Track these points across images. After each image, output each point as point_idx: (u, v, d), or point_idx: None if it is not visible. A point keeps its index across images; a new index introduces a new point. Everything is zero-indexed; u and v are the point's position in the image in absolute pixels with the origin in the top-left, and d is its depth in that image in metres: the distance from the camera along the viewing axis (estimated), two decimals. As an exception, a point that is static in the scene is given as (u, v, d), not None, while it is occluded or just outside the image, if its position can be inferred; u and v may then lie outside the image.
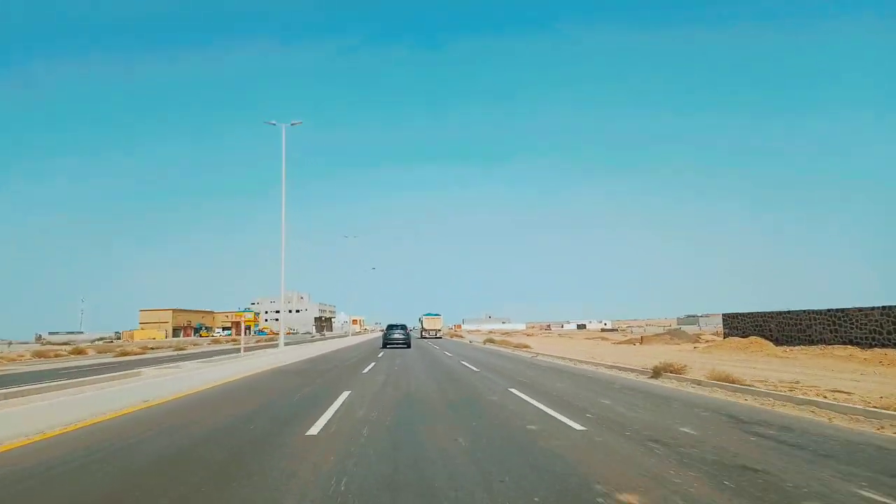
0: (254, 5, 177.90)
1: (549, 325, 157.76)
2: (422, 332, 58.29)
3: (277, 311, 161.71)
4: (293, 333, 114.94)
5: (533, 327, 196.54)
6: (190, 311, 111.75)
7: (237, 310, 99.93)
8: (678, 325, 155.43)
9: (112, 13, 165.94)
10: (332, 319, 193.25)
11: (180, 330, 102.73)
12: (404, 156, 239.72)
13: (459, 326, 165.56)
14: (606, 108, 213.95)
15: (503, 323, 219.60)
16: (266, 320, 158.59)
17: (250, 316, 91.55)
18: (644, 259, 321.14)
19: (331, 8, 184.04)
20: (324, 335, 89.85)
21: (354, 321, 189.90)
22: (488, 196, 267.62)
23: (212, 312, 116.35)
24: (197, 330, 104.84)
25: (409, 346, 33.27)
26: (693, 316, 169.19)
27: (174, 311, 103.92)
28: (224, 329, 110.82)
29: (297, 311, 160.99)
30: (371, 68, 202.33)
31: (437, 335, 55.55)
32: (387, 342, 33.93)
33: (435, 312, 56.78)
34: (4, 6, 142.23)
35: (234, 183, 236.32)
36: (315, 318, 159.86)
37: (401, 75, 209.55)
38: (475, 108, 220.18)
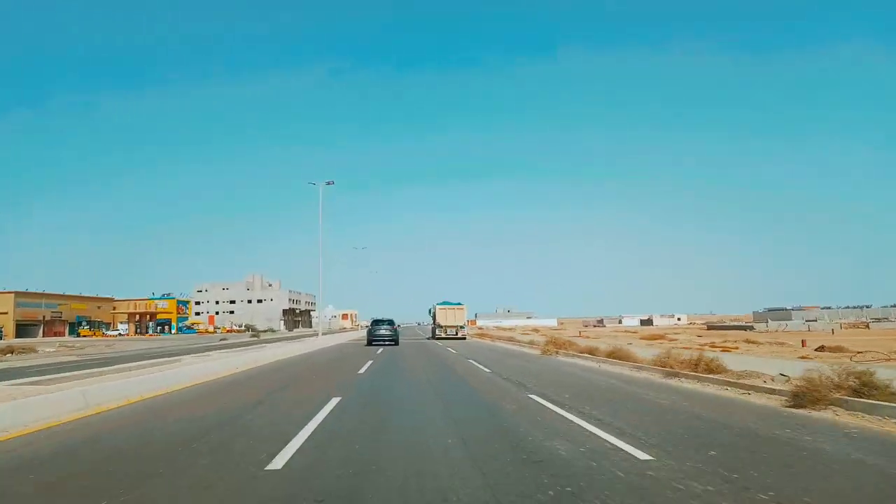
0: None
1: (600, 321, 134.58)
2: (435, 328, 43.14)
3: (233, 302, 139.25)
4: (240, 331, 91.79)
5: (563, 323, 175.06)
6: (60, 295, 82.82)
7: (150, 296, 74.95)
8: (757, 321, 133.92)
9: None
10: (312, 312, 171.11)
11: (38, 326, 77.49)
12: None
13: (474, 322, 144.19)
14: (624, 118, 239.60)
15: (528, 318, 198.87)
16: (218, 313, 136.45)
17: (166, 305, 67.25)
18: (680, 253, 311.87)
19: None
20: (255, 341, 66.73)
21: (345, 316, 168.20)
22: (499, 191, 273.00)
23: (110, 300, 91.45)
24: (75, 325, 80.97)
25: (396, 343, 31.98)
26: (781, 310, 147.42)
27: (18, 294, 73.36)
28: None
29: (261, 300, 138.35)
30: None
31: (459, 334, 41.22)
32: (372, 339, 33.00)
33: (455, 301, 42.80)
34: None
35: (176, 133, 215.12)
36: (283, 311, 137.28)
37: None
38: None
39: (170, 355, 20.63)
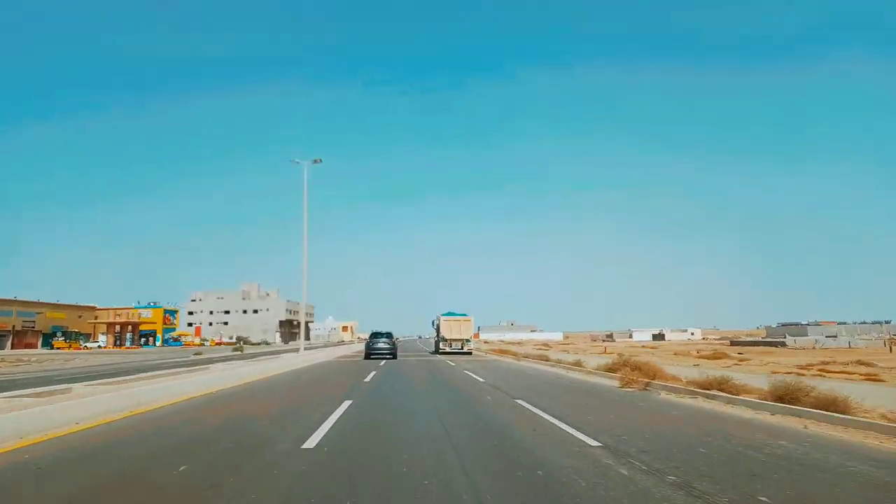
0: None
1: (610, 335, 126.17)
2: (439, 342, 39.68)
3: (227, 312, 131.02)
4: (230, 343, 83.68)
5: (568, 337, 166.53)
6: (35, 303, 73.22)
7: (135, 305, 67.24)
8: (771, 336, 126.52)
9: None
10: (310, 324, 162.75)
11: (6, 336, 68.43)
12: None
13: (477, 335, 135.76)
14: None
15: (532, 332, 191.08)
16: (211, 324, 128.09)
17: (149, 314, 58.84)
18: (679, 268, 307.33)
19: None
20: (230, 357, 58.85)
21: (344, 328, 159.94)
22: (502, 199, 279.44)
23: (92, 308, 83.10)
24: (49, 337, 72.72)
25: (394, 357, 30.75)
26: (795, 325, 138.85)
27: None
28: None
29: (256, 311, 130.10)
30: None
31: (465, 348, 37.44)
32: (370, 352, 31.84)
33: (461, 312, 38.91)
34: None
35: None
36: (280, 322, 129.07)
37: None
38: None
39: (87, 378, 12.90)
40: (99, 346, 76.32)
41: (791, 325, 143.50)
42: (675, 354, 41.06)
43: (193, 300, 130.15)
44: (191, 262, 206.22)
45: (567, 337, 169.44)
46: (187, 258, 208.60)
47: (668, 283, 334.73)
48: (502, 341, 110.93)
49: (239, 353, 51.86)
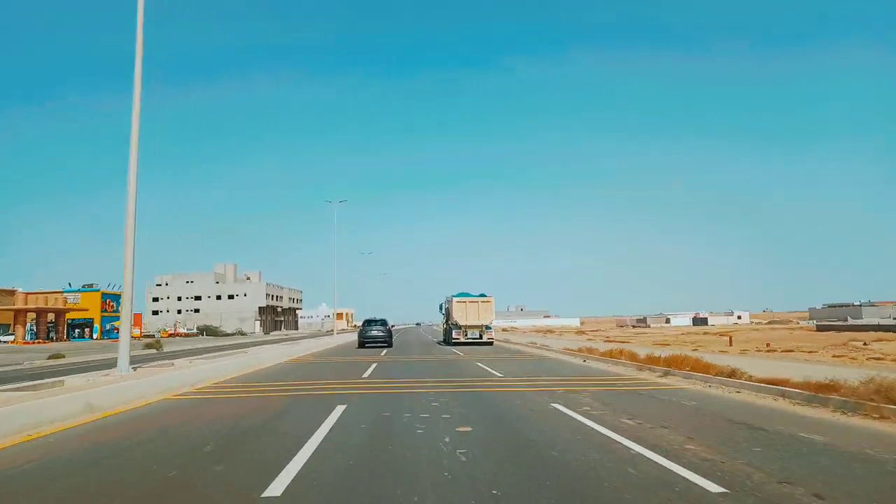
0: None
1: (642, 320, 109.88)
2: (450, 329, 33.36)
3: (198, 298, 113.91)
4: (187, 334, 66.61)
5: (585, 323, 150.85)
6: None
7: (64, 289, 51.17)
8: (813, 318, 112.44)
9: None
10: (298, 311, 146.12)
11: None
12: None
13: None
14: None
15: (545, 317, 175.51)
16: (179, 311, 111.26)
17: (78, 298, 43.40)
18: (691, 250, 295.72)
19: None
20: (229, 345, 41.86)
21: (339, 315, 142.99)
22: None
23: (12, 292, 65.10)
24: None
25: (390, 346, 30.56)
26: (847, 305, 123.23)
27: None
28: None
29: (232, 296, 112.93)
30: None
31: (484, 337, 32.16)
32: (364, 340, 31.28)
33: (479, 293, 33.29)
34: None
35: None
36: (260, 309, 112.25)
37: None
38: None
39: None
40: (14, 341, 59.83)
41: (842, 305, 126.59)
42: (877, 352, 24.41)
43: (158, 284, 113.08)
44: (170, 245, 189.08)
45: (584, 322, 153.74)
46: (167, 239, 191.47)
47: (678, 267, 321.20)
48: (512, 328, 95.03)
49: (155, 350, 34.96)
